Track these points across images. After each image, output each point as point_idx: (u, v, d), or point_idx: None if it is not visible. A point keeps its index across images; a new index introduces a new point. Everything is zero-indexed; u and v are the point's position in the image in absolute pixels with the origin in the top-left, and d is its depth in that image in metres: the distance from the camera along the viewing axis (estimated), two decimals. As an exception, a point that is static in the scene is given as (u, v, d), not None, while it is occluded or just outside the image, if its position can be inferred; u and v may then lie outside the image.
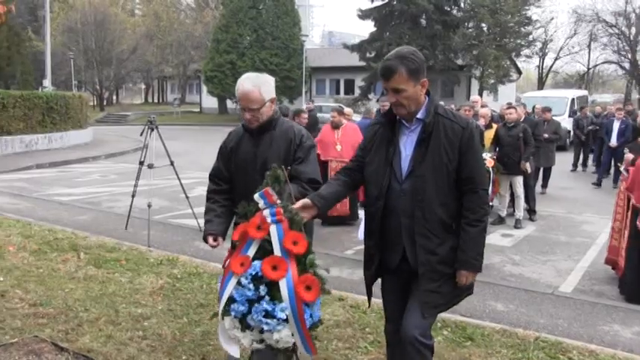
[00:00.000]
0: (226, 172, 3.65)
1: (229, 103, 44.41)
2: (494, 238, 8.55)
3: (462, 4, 36.71)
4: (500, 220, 9.48)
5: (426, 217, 2.90)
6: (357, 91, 39.68)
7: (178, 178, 8.53)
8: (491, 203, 9.85)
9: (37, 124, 20.26)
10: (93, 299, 5.22)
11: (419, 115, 2.96)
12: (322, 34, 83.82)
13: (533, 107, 14.85)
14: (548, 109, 13.19)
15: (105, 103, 53.85)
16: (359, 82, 39.19)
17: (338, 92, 44.75)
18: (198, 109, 50.53)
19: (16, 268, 6.07)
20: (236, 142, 3.61)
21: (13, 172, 15.35)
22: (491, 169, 8.25)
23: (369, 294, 3.31)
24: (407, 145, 2.99)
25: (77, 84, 46.39)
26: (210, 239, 3.50)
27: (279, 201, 2.80)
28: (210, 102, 47.15)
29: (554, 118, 13.45)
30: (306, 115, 9.93)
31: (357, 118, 14.91)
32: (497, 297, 6.01)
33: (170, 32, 51.40)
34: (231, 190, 3.63)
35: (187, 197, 8.54)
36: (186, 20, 54.59)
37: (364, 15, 37.29)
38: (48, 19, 27.36)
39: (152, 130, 8.40)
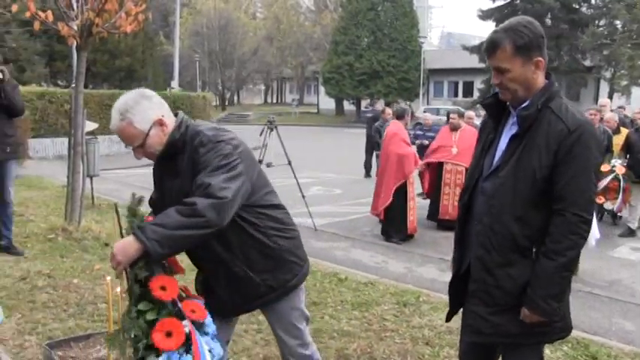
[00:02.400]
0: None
1: (346, 105, 44.83)
2: (623, 251, 8.00)
3: (593, 1, 34.72)
4: (630, 233, 8.85)
5: (494, 228, 2.39)
6: (476, 94, 38.69)
7: (295, 178, 8.71)
8: (620, 214, 9.24)
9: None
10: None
11: (523, 105, 2.40)
12: (441, 36, 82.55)
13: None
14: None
15: (227, 103, 56.19)
16: (478, 84, 38.22)
17: (456, 95, 43.89)
18: (316, 110, 51.42)
19: (143, 257, 6.44)
20: (156, 174, 2.77)
21: (145, 166, 16.31)
22: (621, 177, 7.76)
23: (450, 306, 2.78)
24: (506, 137, 2.48)
25: (201, 85, 48.73)
26: None
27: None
28: (327, 103, 47.84)
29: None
30: (429, 117, 9.70)
31: (478, 121, 14.51)
32: (625, 315, 5.61)
33: (289, 34, 52.67)
34: None
35: (304, 196, 8.69)
36: (306, 22, 55.71)
37: (485, 15, 36.27)
38: (177, 25, 28.98)
39: (271, 130, 8.65)
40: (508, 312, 2.41)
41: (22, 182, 10.86)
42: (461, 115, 9.47)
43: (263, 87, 69.54)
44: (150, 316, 2.13)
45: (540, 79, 2.40)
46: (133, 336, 2.10)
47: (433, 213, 9.15)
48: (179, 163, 2.54)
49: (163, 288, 2.20)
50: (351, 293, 5.60)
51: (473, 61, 36.80)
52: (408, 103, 36.69)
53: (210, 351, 2.21)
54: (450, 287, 2.71)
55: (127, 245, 2.28)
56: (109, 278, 3.23)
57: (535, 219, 2.34)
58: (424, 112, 26.90)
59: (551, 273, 2.30)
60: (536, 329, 2.40)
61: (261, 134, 8.84)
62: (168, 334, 2.11)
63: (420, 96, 39.15)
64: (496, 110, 2.54)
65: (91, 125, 8.74)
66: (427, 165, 9.20)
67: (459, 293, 2.64)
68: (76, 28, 6.67)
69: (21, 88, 6.73)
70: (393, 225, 8.14)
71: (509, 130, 2.47)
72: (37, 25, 6.65)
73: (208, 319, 2.31)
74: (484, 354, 2.68)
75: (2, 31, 16.60)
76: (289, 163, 8.66)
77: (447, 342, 4.46)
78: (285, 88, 69.67)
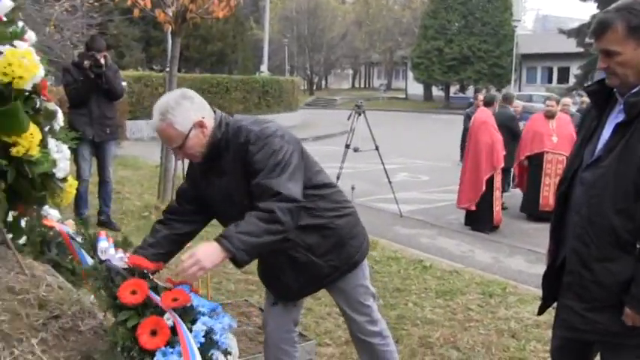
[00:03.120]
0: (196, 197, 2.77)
1: (435, 90, 44.07)
2: None
3: None
4: None
5: (593, 220, 2.24)
6: (572, 80, 36.95)
7: (382, 163, 8.66)
8: None
9: (254, 106, 21.93)
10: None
11: (633, 90, 2.21)
12: (535, 19, 79.22)
13: None
14: None
15: (314, 87, 56.59)
16: (574, 70, 36.44)
17: (550, 81, 42.09)
18: (404, 96, 50.89)
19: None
20: (199, 176, 2.71)
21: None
22: None
23: (543, 299, 2.64)
24: (610, 126, 2.31)
25: (290, 69, 49.34)
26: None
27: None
28: (415, 88, 47.21)
29: None
30: (519, 103, 9.27)
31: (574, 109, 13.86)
32: None
33: (378, 19, 52.23)
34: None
35: (390, 182, 8.64)
36: (395, 6, 55.05)
37: (587, -4, 34.45)
38: (267, 9, 29.40)
39: (359, 114, 8.63)
40: (607, 309, 2.25)
41: (119, 162, 11.40)
42: (559, 102, 9.09)
43: (351, 72, 69.50)
44: (132, 323, 2.13)
45: None
46: (122, 348, 2.12)
47: (529, 204, 8.77)
48: (224, 162, 2.53)
49: (134, 292, 2.19)
50: (435, 281, 5.53)
51: (569, 46, 35.08)
52: (498, 89, 35.63)
53: (209, 331, 2.21)
54: (544, 280, 2.59)
55: (214, 253, 2.31)
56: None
57: (639, 212, 2.16)
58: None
59: None
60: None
61: (348, 119, 8.85)
62: (153, 333, 2.11)
63: (512, 82, 37.80)
64: (601, 97, 2.38)
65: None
66: (528, 159, 8.71)
67: (553, 286, 2.51)
68: (171, 14, 6.91)
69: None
70: (481, 215, 7.94)
71: (614, 119, 2.30)
72: (136, 13, 6.96)
73: (197, 300, 2.31)
74: (578, 351, 2.55)
75: (105, 20, 17.41)
76: (376, 148, 8.62)
77: (534, 335, 4.32)
78: (373, 73, 69.31)
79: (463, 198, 8.12)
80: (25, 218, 2.85)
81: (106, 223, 6.67)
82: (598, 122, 2.38)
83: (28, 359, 2.13)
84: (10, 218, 2.76)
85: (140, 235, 6.37)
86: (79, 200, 6.39)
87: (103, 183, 6.70)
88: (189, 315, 2.21)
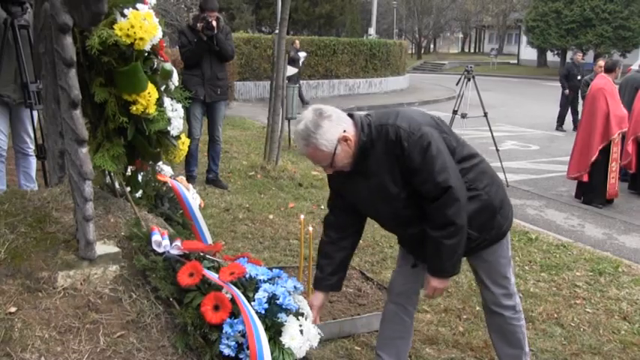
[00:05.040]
0: (344, 205, 2.83)
1: (550, 56, 41.81)
2: None
3: None
4: None
5: None
6: None
7: (490, 130, 8.39)
8: None
9: (361, 70, 21.80)
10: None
11: None
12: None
13: None
14: None
15: (422, 51, 55.40)
16: None
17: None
18: (516, 61, 48.69)
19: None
20: (343, 177, 2.69)
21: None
22: None
23: None
24: None
25: (398, 32, 48.42)
26: (316, 299, 2.80)
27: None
28: (529, 54, 44.99)
29: None
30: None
31: None
32: None
33: (493, -21, 50.00)
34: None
35: (497, 150, 8.37)
36: (512, -34, 52.42)
37: None
38: (378, -30, 28.83)
39: (469, 80, 8.38)
40: None
41: (228, 122, 11.77)
42: None
43: (461, 35, 67.21)
44: (197, 302, 2.24)
45: None
46: (194, 327, 2.21)
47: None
48: (371, 163, 2.55)
49: (191, 274, 2.30)
50: (540, 254, 5.34)
51: None
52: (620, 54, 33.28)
53: (271, 297, 2.26)
54: None
55: (442, 284, 2.70)
56: (302, 216, 3.41)
57: None
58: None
59: None
60: None
61: (457, 84, 8.62)
62: (216, 308, 2.21)
63: (640, 47, 35.03)
64: None
65: (291, 70, 9.15)
66: None
67: None
68: (282, -25, 6.96)
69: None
70: (594, 187, 7.52)
71: None
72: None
73: (256, 270, 2.36)
74: None
75: (217, -18, 17.91)
76: (485, 115, 8.35)
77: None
78: (484, 37, 66.68)
79: (572, 167, 7.70)
80: (142, 173, 3.03)
81: (214, 181, 6.95)
82: None
83: (144, 303, 2.29)
84: (128, 173, 2.94)
85: (246, 194, 6.67)
86: (190, 158, 6.68)
87: (213, 142, 6.95)
88: (250, 285, 2.32)
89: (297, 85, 17.22)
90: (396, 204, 2.59)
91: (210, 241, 3.17)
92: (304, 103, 17.69)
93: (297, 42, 18.06)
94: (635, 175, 8.27)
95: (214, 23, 6.36)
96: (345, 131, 2.50)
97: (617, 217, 7.14)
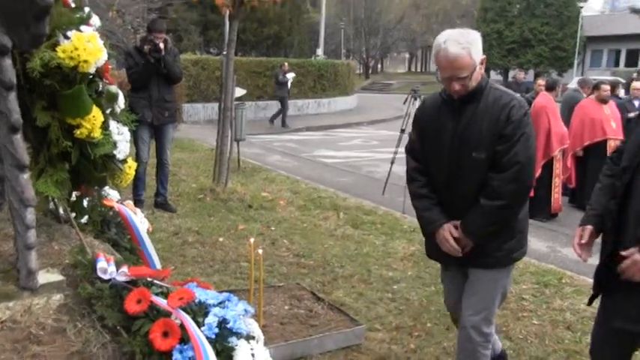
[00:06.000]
0: (423, 150, 2.97)
1: (493, 75, 43.06)
2: None
3: None
4: None
5: None
6: (642, 63, 35.46)
7: (436, 148, 8.55)
8: None
9: (309, 90, 21.96)
10: (348, 257, 5.55)
11: None
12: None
13: None
14: None
15: (370, 71, 56.19)
16: (645, 52, 34.94)
17: (617, 64, 40.48)
18: (460, 80, 49.86)
19: (285, 220, 6.71)
20: (432, 113, 2.91)
21: (287, 133, 16.96)
22: None
23: (594, 290, 2.68)
24: None
25: (346, 52, 49.04)
26: (447, 230, 2.83)
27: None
28: (472, 72, 46.17)
29: None
30: (607, 88, 8.26)
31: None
32: None
33: (437, 1, 51.35)
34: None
35: (443, 168, 8.52)
36: (454, -12, 53.96)
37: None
38: (325, -8, 29.22)
39: (415, 99, 8.54)
40: None
41: (176, 144, 11.63)
42: (614, 87, 8.61)
43: (407, 55, 68.63)
44: (145, 329, 2.18)
45: None
46: (142, 355, 2.18)
47: (580, 196, 8.42)
48: (472, 108, 2.73)
49: (139, 301, 2.24)
50: (488, 269, 5.45)
51: (640, 27, 33.66)
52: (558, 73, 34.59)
53: (222, 321, 2.24)
54: (599, 269, 2.58)
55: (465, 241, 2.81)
56: (252, 239, 3.39)
57: None
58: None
59: None
60: None
61: (404, 103, 8.79)
62: (165, 334, 2.16)
63: (575, 66, 36.54)
64: None
65: (239, 91, 9.14)
66: (585, 149, 8.18)
67: (606, 276, 2.50)
68: (229, -2, 6.97)
69: (178, 55, 7.16)
70: (537, 202, 7.73)
71: None
72: (194, -4, 7.04)
73: (205, 295, 2.36)
74: (623, 342, 2.55)
75: (165, 4, 17.73)
76: (430, 133, 8.51)
77: (590, 328, 4.21)
78: (430, 56, 68.19)
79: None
80: (87, 198, 2.96)
81: (162, 205, 6.84)
82: None
83: (89, 332, 2.23)
84: (73, 198, 2.87)
85: (195, 217, 6.59)
86: (138, 182, 6.57)
87: (161, 165, 6.86)
88: (200, 310, 2.28)
89: (283, 107, 17.40)
90: (468, 159, 2.71)
91: (158, 266, 3.11)
92: (284, 125, 17.80)
93: (286, 65, 18.30)
94: (575, 190, 8.57)
95: (162, 45, 6.32)
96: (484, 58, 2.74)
97: (560, 230, 7.36)
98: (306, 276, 4.97)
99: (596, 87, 8.33)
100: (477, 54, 2.68)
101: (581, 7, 36.33)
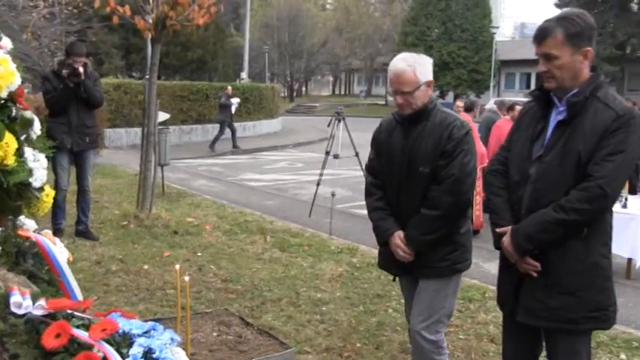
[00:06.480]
0: (379, 165, 3.22)
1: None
2: None
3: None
4: None
5: (533, 212, 2.50)
6: (550, 86, 37.39)
7: (362, 169, 8.67)
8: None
9: (234, 114, 21.83)
10: (276, 280, 5.52)
11: (571, 93, 2.45)
12: (514, 26, 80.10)
13: None
14: None
15: (295, 94, 56.62)
16: (552, 75, 36.87)
17: (528, 86, 42.55)
18: (384, 102, 51.05)
19: (211, 246, 6.62)
20: (386, 133, 3.18)
21: (212, 157, 16.79)
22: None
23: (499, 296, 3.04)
24: (552, 125, 2.54)
25: (270, 76, 49.29)
26: (398, 237, 3.03)
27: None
28: (394, 95, 47.31)
29: None
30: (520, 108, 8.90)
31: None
32: None
33: (359, 26, 52.45)
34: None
35: (369, 188, 8.65)
36: (375, 13, 55.38)
37: (563, 4, 35.01)
38: (248, 17, 29.40)
39: (339, 121, 8.67)
40: (564, 296, 2.47)
41: (98, 170, 11.31)
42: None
43: (331, 78, 69.67)
44: None
45: (586, 70, 2.47)
46: None
47: None
48: (418, 128, 2.99)
49: (58, 335, 2.12)
50: (415, 287, 5.55)
51: (548, 52, 35.52)
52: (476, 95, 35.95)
53: (147, 351, 2.20)
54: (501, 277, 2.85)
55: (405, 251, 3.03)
56: (177, 266, 3.32)
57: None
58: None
59: (545, 221, 2.43)
60: (591, 314, 2.46)
61: (328, 125, 8.90)
62: None
63: (491, 88, 38.19)
64: (543, 101, 2.60)
65: (163, 116, 9.01)
66: None
67: (510, 284, 2.73)
68: (151, 21, 6.89)
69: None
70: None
71: (554, 119, 2.54)
72: (115, 20, 6.93)
73: (130, 325, 2.32)
74: (530, 338, 2.75)
75: (84, 27, 17.28)
76: (357, 154, 8.65)
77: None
78: (353, 79, 69.49)
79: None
80: (0, 228, 2.82)
81: (84, 233, 6.61)
82: (544, 123, 2.58)
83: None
84: (-16, 229, 2.73)
85: (119, 245, 6.40)
86: (57, 210, 6.33)
87: (82, 192, 6.64)
88: (124, 340, 2.20)
89: (227, 129, 17.20)
90: (415, 175, 2.96)
91: (80, 297, 2.99)
92: (235, 147, 17.61)
93: (230, 88, 18.09)
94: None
95: (81, 69, 6.15)
96: (432, 82, 3.03)
97: (482, 246, 7.56)
98: (234, 301, 4.91)
99: (511, 108, 8.73)
100: (423, 74, 2.94)
101: (494, 33, 38.08)
